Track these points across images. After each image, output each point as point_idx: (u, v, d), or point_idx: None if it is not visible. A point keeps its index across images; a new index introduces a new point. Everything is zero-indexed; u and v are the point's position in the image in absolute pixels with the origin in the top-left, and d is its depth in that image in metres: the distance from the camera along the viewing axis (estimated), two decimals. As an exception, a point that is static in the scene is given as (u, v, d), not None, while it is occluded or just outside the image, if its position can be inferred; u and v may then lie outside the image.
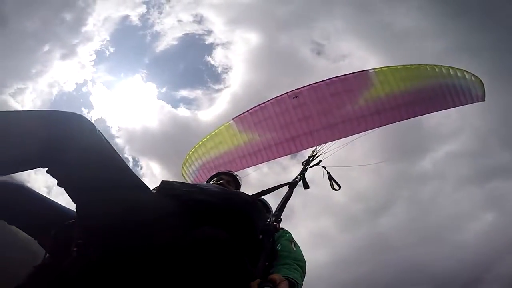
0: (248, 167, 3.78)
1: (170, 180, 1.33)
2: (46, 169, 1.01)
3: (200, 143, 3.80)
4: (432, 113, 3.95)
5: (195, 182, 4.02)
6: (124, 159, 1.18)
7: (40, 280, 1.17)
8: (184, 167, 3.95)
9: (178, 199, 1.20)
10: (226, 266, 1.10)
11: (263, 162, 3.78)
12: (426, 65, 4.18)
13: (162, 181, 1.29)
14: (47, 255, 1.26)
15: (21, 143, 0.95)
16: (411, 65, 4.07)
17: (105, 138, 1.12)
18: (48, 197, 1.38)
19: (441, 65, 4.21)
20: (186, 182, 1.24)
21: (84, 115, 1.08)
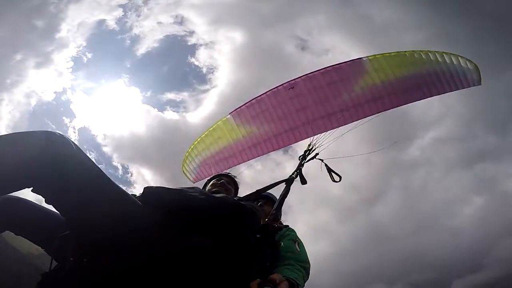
0: (248, 160, 3.78)
1: (154, 186, 1.31)
2: (31, 188, 1.04)
3: (199, 139, 3.81)
4: (415, 102, 3.95)
5: (194, 180, 4.03)
6: (101, 169, 1.16)
7: (49, 286, 1.17)
8: (185, 165, 3.96)
9: (163, 208, 1.19)
10: (214, 276, 1.12)
11: (263, 154, 3.79)
12: (420, 51, 4.20)
13: (145, 188, 1.28)
14: (53, 262, 1.27)
15: (5, 167, 0.96)
16: (405, 51, 4.09)
17: (82, 151, 1.12)
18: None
19: (435, 51, 4.24)
20: (171, 187, 1.21)
21: (54, 131, 1.07)
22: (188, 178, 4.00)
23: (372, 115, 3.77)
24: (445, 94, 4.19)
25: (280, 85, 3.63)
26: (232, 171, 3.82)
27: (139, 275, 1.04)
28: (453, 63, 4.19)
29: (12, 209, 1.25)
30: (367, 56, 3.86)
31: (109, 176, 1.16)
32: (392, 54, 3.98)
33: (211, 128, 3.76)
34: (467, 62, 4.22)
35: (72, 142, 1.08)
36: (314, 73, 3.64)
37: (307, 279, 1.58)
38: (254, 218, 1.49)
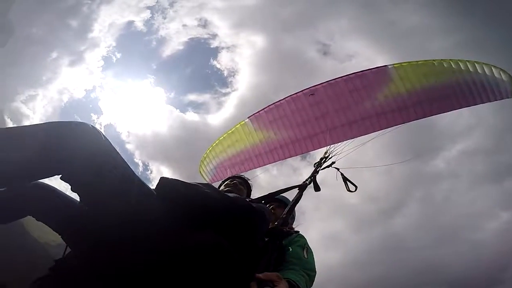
0: (264, 165, 3.77)
1: (170, 177, 1.32)
2: (60, 176, 1.09)
3: (217, 142, 3.85)
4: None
5: (210, 181, 4.07)
6: (127, 162, 1.21)
7: (61, 273, 1.23)
8: (202, 166, 4.02)
9: (178, 202, 1.21)
10: (222, 275, 1.12)
11: (279, 160, 3.76)
12: (450, 60, 3.99)
13: (161, 178, 1.29)
14: (68, 249, 1.33)
15: (34, 154, 1.02)
16: (433, 60, 3.92)
17: (111, 144, 1.17)
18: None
19: (466, 60, 4.02)
20: (186, 181, 1.20)
21: (87, 123, 1.13)
22: (204, 179, 4.06)
23: (396, 125, 3.64)
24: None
25: (300, 91, 3.59)
26: (248, 175, 3.86)
27: (149, 270, 1.05)
28: (484, 73, 3.95)
29: (37, 195, 1.30)
30: (393, 64, 3.73)
31: (131, 168, 1.21)
32: (419, 62, 3.82)
33: (229, 131, 3.78)
34: (500, 72, 3.97)
35: (103, 134, 1.14)
36: (336, 79, 3.57)
37: (311, 286, 1.54)
38: (263, 221, 1.48)
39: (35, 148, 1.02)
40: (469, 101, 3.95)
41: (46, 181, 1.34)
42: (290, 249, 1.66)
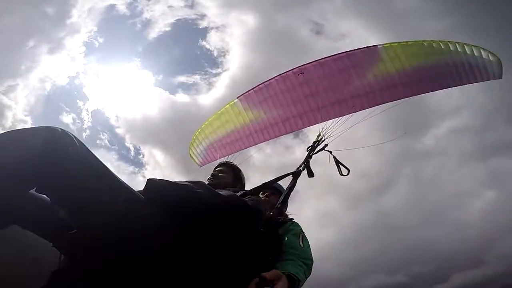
0: (255, 144, 3.76)
1: (157, 178, 1.25)
2: (35, 189, 1.02)
3: (206, 123, 3.82)
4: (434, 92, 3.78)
5: (200, 163, 4.04)
6: (108, 168, 1.10)
7: (58, 283, 1.16)
8: (192, 148, 3.99)
9: (167, 205, 1.15)
10: (221, 276, 1.10)
11: (270, 139, 3.76)
12: (440, 41, 4.01)
13: (148, 180, 1.22)
14: (62, 257, 1.25)
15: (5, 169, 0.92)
16: (423, 40, 3.93)
17: (85, 147, 1.07)
18: None
19: (456, 42, 4.05)
20: (176, 182, 1.14)
21: (56, 128, 1.01)
22: (194, 161, 4.03)
23: (384, 103, 3.66)
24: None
25: (290, 70, 3.57)
26: (242, 155, 3.84)
27: (141, 276, 1.02)
28: (473, 54, 3.99)
29: (21, 204, 1.20)
30: (383, 44, 3.73)
31: (113, 171, 1.11)
32: (409, 43, 3.83)
33: (219, 112, 3.75)
34: (489, 54, 4.02)
35: (75, 137, 1.03)
36: (326, 58, 3.56)
37: (309, 275, 1.55)
38: (259, 218, 1.45)
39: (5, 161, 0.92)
40: (457, 81, 3.99)
41: None
42: (286, 238, 1.66)
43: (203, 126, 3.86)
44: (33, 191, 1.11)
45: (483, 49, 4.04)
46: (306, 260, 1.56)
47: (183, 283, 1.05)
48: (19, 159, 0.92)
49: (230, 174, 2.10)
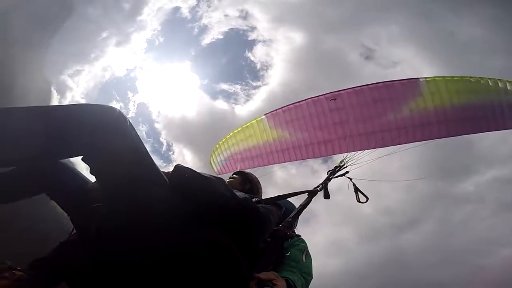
0: (274, 163, 3.75)
1: (184, 166, 1.31)
2: (82, 156, 1.09)
3: (231, 134, 3.83)
4: (487, 135, 3.52)
5: (218, 172, 4.10)
6: (149, 153, 1.19)
7: (63, 256, 1.27)
8: (213, 156, 4.04)
9: (189, 195, 1.20)
10: (227, 272, 1.13)
11: (290, 161, 3.72)
12: (488, 78, 3.71)
13: (176, 166, 1.29)
14: (74, 231, 1.36)
15: (62, 133, 1.02)
16: (470, 77, 3.64)
17: (135, 131, 1.15)
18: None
19: (506, 80, 3.72)
20: (200, 172, 1.32)
21: (115, 108, 1.10)
22: (213, 169, 4.09)
23: (416, 141, 3.49)
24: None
25: (322, 95, 3.46)
26: (264, 169, 3.85)
27: (151, 261, 1.07)
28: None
29: (53, 174, 1.33)
30: (425, 77, 3.50)
31: (151, 156, 1.20)
32: (455, 78, 3.56)
33: (244, 126, 3.74)
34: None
35: (129, 120, 1.12)
36: (362, 87, 3.41)
37: None
38: (267, 227, 1.49)
39: (61, 126, 1.03)
40: (502, 124, 3.71)
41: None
42: (290, 252, 1.66)
43: (227, 136, 3.88)
44: (68, 160, 1.24)
45: (536, 89, 3.69)
46: (306, 274, 1.56)
47: (189, 273, 1.09)
48: (79, 127, 1.03)
49: (238, 180, 2.17)
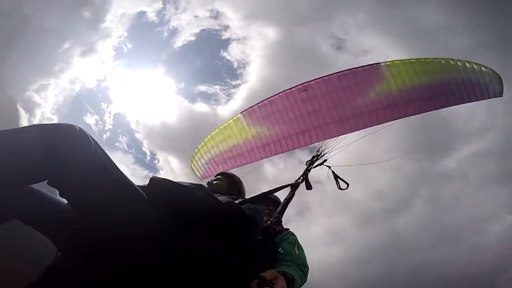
0: (256, 160, 3.76)
1: (160, 177, 1.27)
2: (47, 181, 1.04)
3: (209, 137, 3.81)
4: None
5: (201, 176, 4.04)
6: (117, 166, 1.16)
7: (51, 279, 1.17)
8: (193, 161, 3.98)
9: (169, 206, 1.17)
10: (221, 278, 1.12)
11: (272, 156, 3.76)
12: (442, 58, 4.05)
13: (151, 179, 1.24)
14: (59, 254, 1.27)
15: (21, 158, 0.97)
16: (425, 58, 3.96)
17: (100, 147, 1.12)
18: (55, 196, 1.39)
19: (458, 59, 4.08)
20: (178, 182, 1.27)
21: (75, 126, 1.06)
22: (195, 174, 4.02)
23: (386, 122, 3.68)
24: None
25: (294, 87, 3.57)
26: (252, 166, 3.84)
27: (139, 277, 1.04)
28: (474, 72, 4.04)
29: (24, 199, 1.25)
30: (385, 61, 3.75)
31: (122, 171, 1.15)
32: (412, 60, 3.85)
33: (222, 126, 3.74)
34: (490, 71, 4.07)
35: (91, 137, 1.08)
36: (329, 75, 3.57)
37: (305, 281, 1.56)
38: (255, 228, 1.48)
39: (19, 151, 0.97)
40: (458, 99, 4.03)
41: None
42: (282, 247, 1.68)
43: (205, 139, 3.85)
44: (37, 185, 1.18)
45: (483, 66, 4.08)
46: (301, 266, 1.57)
47: (181, 285, 1.06)
48: (40, 150, 0.97)
49: (225, 182, 2.13)
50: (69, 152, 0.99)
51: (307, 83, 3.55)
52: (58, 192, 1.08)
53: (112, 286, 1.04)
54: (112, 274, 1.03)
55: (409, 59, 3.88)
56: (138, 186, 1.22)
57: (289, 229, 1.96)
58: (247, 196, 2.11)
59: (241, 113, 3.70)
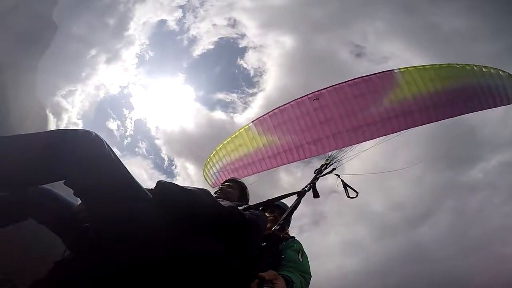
0: (268, 169, 3.75)
1: (167, 181, 1.34)
2: (64, 181, 1.11)
3: (220, 146, 3.84)
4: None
5: (213, 184, 4.06)
6: (128, 169, 1.22)
7: (59, 275, 1.25)
8: (206, 169, 4.01)
9: (174, 208, 1.24)
10: (221, 278, 1.15)
11: (283, 165, 3.74)
12: (457, 64, 3.95)
13: (158, 182, 1.32)
14: (67, 251, 1.35)
15: (39, 158, 1.05)
16: (441, 64, 3.86)
17: (113, 152, 1.19)
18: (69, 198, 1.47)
19: (474, 64, 3.97)
20: (184, 186, 1.39)
21: (91, 131, 1.15)
22: (207, 182, 4.05)
23: (400, 130, 3.60)
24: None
25: (305, 96, 3.55)
26: (268, 176, 3.83)
27: (147, 274, 1.08)
28: (492, 77, 3.91)
29: (38, 199, 1.33)
30: (399, 68, 3.68)
31: (133, 176, 1.22)
32: (426, 67, 3.77)
33: (233, 136, 3.76)
34: (508, 76, 3.93)
35: (105, 142, 1.16)
36: (341, 84, 3.53)
37: None
38: (256, 233, 1.52)
39: (39, 153, 1.05)
40: (475, 106, 3.91)
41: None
42: (285, 254, 1.69)
43: (217, 148, 3.88)
44: (51, 185, 1.25)
45: (501, 70, 3.95)
46: (303, 273, 1.57)
47: (182, 283, 1.10)
48: (59, 152, 1.05)
49: (237, 191, 2.17)
50: (84, 154, 1.07)
51: (319, 91, 3.53)
52: (72, 192, 1.15)
53: (118, 281, 1.09)
54: (119, 269, 1.09)
55: (424, 66, 3.80)
56: (146, 189, 1.29)
57: (294, 237, 1.96)
58: (252, 203, 2.12)
59: (252, 122, 3.70)
